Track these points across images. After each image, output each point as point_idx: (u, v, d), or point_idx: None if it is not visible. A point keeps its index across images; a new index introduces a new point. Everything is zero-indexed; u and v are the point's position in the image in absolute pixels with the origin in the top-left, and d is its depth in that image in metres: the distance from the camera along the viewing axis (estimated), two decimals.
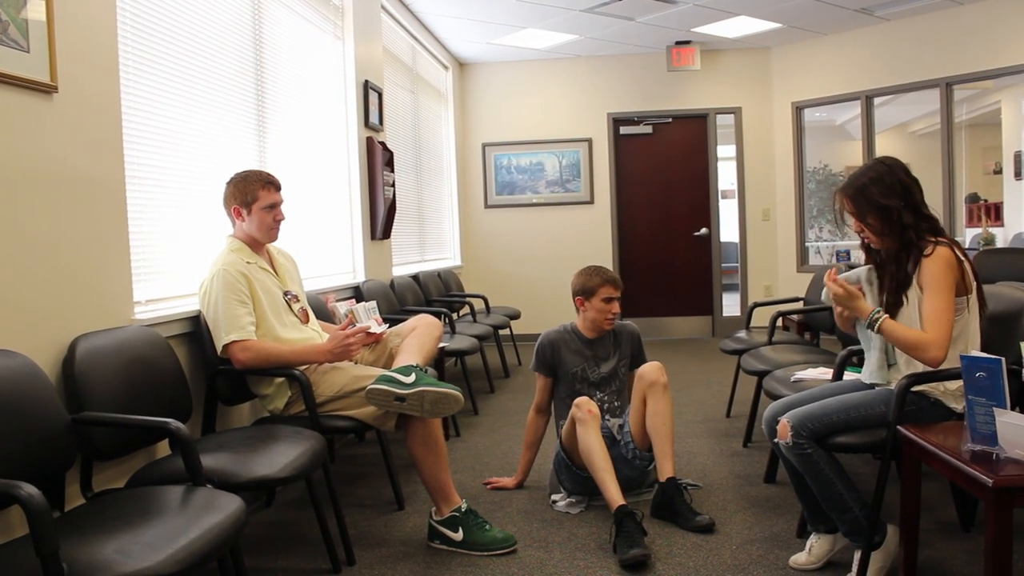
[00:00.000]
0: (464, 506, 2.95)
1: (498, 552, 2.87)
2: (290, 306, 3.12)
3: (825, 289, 2.61)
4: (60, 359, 2.32)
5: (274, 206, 3.10)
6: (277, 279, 3.14)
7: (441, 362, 4.45)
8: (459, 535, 2.89)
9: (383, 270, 5.54)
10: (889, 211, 2.53)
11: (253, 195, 3.06)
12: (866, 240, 2.63)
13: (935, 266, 2.44)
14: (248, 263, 3.01)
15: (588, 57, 8.36)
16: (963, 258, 2.47)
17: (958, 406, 2.42)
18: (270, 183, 3.10)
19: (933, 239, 2.49)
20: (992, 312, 2.58)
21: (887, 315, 2.48)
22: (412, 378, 2.78)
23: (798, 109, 8.18)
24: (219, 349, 2.86)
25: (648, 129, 8.54)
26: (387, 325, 3.40)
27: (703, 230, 8.53)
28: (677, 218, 8.56)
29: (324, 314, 3.64)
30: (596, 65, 8.41)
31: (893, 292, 2.55)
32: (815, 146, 8.40)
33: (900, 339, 2.46)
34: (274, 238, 3.17)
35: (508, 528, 3.08)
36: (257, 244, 3.13)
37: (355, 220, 5.16)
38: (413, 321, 3.29)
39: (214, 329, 2.88)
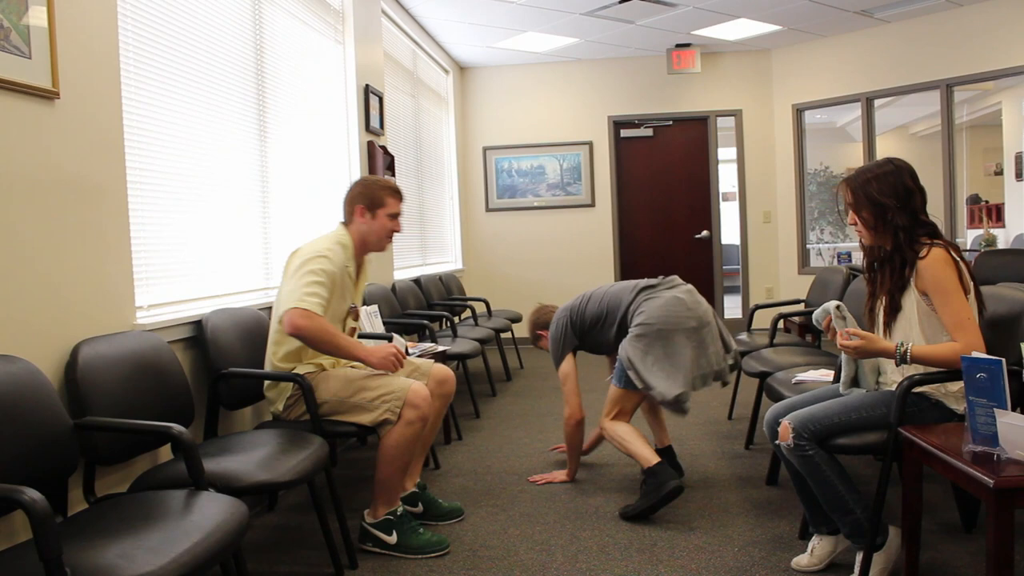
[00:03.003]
0: (400, 509, 2.95)
1: (431, 555, 2.88)
2: (346, 320, 3.15)
3: (818, 311, 2.63)
4: (63, 364, 2.33)
5: (397, 215, 3.17)
6: (354, 291, 3.18)
7: None
8: (393, 538, 2.91)
9: (384, 274, 5.55)
10: (884, 208, 2.53)
11: (381, 200, 3.12)
12: (858, 233, 2.65)
13: (935, 268, 2.43)
14: (345, 266, 3.06)
15: (588, 60, 8.37)
16: (958, 258, 2.46)
17: (959, 407, 2.43)
18: (397, 193, 3.19)
19: (928, 241, 2.49)
20: (993, 313, 2.58)
21: (911, 343, 2.45)
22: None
23: (799, 111, 8.18)
24: (283, 309, 2.85)
25: (649, 132, 8.55)
26: (416, 351, 3.40)
27: (704, 232, 8.54)
28: (678, 221, 8.57)
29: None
30: (596, 68, 8.42)
31: (890, 294, 2.55)
32: (816, 148, 8.40)
33: (935, 359, 2.42)
34: (384, 248, 3.23)
35: (510, 530, 3.08)
36: (362, 248, 3.16)
37: None
38: (435, 370, 3.24)
39: (288, 292, 2.88)
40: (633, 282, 3.63)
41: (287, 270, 2.99)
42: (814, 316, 2.68)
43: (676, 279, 3.61)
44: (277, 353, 3.01)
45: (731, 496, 3.43)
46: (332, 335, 2.87)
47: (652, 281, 3.59)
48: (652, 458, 3.30)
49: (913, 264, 2.50)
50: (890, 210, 2.53)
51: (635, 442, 3.38)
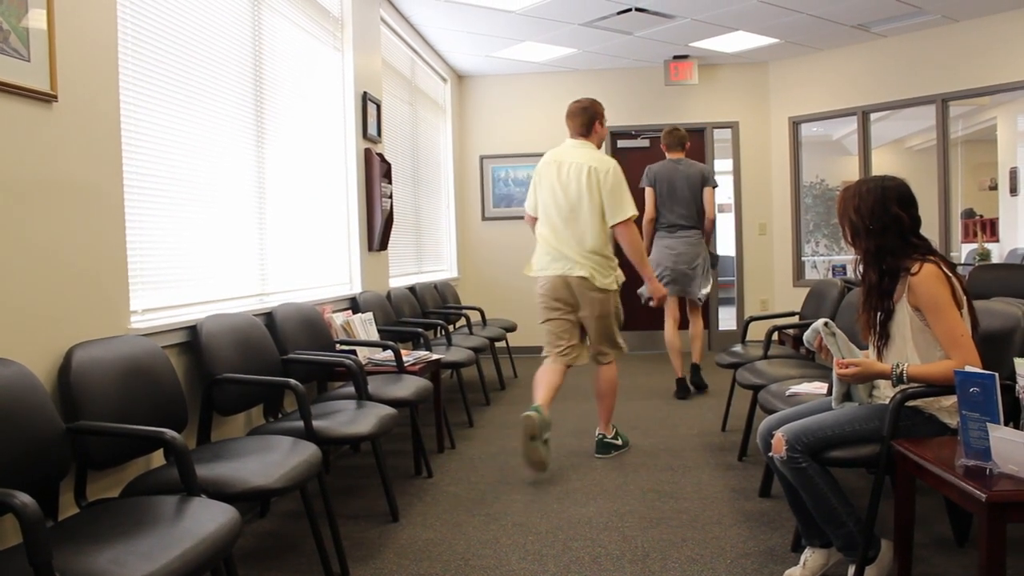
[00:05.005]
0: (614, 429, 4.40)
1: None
2: None
3: (808, 333, 2.66)
4: (56, 368, 2.32)
5: None
6: None
7: (437, 374, 4.45)
8: (620, 440, 4.41)
9: (380, 281, 5.55)
10: (855, 228, 2.58)
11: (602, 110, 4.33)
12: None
13: (927, 285, 2.44)
14: None
15: (586, 70, 8.40)
16: (951, 274, 2.47)
17: (952, 421, 2.43)
18: None
19: (920, 257, 2.50)
20: (986, 328, 2.59)
21: (907, 363, 2.47)
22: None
23: (795, 124, 8.21)
24: (617, 220, 4.14)
25: (645, 143, 8.56)
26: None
27: None
28: None
29: None
30: (594, 78, 8.44)
31: (875, 311, 2.57)
32: (812, 161, 8.43)
33: (931, 377, 2.42)
34: None
35: (502, 540, 3.10)
36: None
37: (352, 231, 5.17)
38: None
39: (616, 204, 4.16)
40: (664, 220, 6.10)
41: (592, 181, 4.14)
42: (804, 338, 2.71)
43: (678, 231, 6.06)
44: (607, 245, 4.26)
45: (724, 508, 3.43)
46: (640, 245, 4.36)
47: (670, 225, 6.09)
48: (677, 373, 6.01)
49: (891, 290, 2.53)
50: (860, 232, 2.56)
51: (671, 355, 6.08)
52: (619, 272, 4.29)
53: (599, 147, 4.31)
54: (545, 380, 4.19)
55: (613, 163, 4.16)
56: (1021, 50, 6.43)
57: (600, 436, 4.38)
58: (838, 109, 7.85)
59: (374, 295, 5.13)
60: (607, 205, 4.13)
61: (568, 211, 4.19)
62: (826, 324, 2.60)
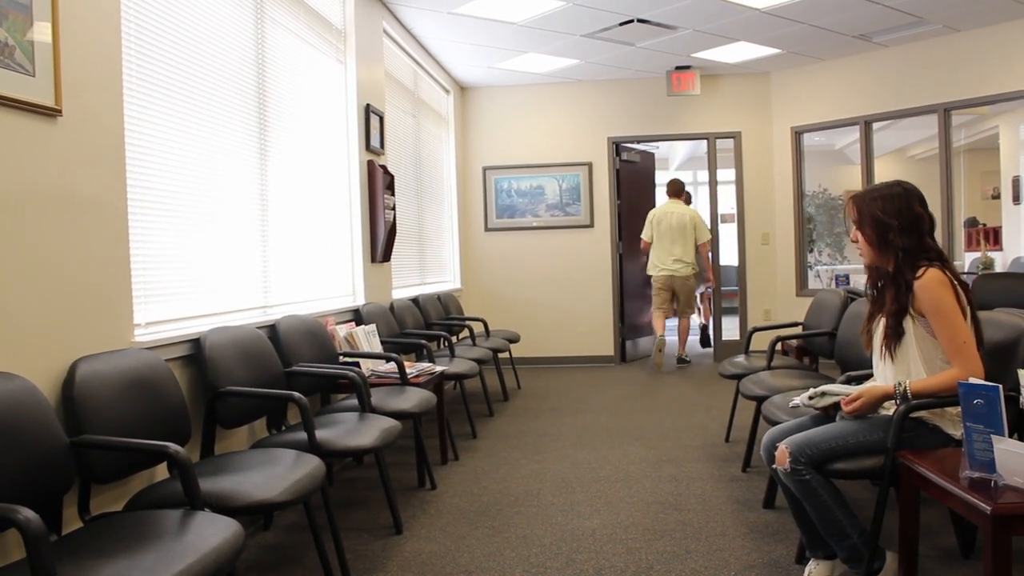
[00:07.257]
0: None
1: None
2: None
3: (800, 399, 2.69)
4: (60, 382, 2.32)
5: None
6: None
7: (440, 385, 4.45)
8: (688, 358, 8.05)
9: (383, 293, 5.55)
10: (886, 228, 2.56)
11: None
12: (859, 252, 2.68)
13: (930, 290, 2.43)
14: None
15: (589, 81, 8.42)
16: (955, 283, 2.47)
17: (956, 432, 2.42)
18: None
19: (926, 262, 2.50)
20: (990, 339, 2.58)
21: (908, 381, 2.47)
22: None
23: (797, 134, 8.22)
24: (701, 242, 7.87)
25: (637, 158, 8.58)
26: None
27: None
28: None
29: None
30: (597, 89, 8.46)
31: (892, 316, 2.55)
32: (814, 170, 8.43)
33: (935, 390, 2.42)
34: None
35: (505, 552, 3.09)
36: None
37: (355, 243, 5.18)
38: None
39: (701, 233, 7.81)
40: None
41: (688, 220, 7.84)
42: (802, 403, 2.73)
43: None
44: (694, 255, 7.92)
45: (727, 519, 3.42)
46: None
47: None
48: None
49: (910, 287, 2.50)
50: (892, 230, 2.54)
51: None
52: (696, 269, 7.92)
53: (685, 201, 8.22)
54: (659, 324, 7.86)
55: (696, 211, 7.99)
56: (1022, 59, 6.44)
57: (679, 355, 7.98)
58: (840, 119, 7.85)
59: (377, 307, 5.13)
60: (697, 233, 7.82)
61: (674, 238, 7.76)
62: (823, 394, 2.64)
